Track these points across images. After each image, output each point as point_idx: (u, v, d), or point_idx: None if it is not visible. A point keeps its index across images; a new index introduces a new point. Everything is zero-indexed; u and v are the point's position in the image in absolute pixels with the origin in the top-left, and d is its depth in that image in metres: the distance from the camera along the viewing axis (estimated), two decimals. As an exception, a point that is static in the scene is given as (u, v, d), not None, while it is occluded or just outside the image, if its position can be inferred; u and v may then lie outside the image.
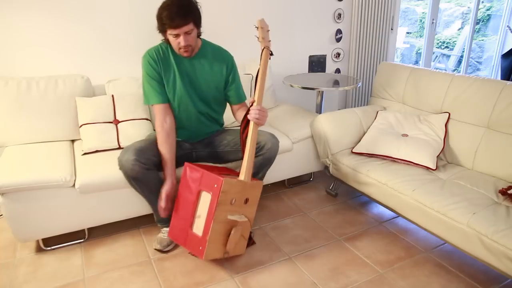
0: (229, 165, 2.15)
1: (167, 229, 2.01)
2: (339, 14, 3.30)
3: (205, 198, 1.70)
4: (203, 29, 1.90)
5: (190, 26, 1.75)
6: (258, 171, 2.00)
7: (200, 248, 1.68)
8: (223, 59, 1.98)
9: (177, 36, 1.76)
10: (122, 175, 1.90)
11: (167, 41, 1.86)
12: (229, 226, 1.73)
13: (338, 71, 3.51)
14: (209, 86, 1.97)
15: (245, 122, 1.83)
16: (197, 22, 1.81)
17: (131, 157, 1.75)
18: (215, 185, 1.65)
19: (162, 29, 1.79)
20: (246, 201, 1.77)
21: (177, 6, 1.71)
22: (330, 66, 3.47)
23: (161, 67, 1.89)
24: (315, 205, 2.46)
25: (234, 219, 1.71)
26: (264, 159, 1.96)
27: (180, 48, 1.81)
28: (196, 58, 1.93)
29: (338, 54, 3.45)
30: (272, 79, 2.91)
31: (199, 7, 1.81)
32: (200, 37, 1.92)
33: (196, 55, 1.93)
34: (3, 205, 1.76)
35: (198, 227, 1.71)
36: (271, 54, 1.90)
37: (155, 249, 1.97)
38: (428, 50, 4.10)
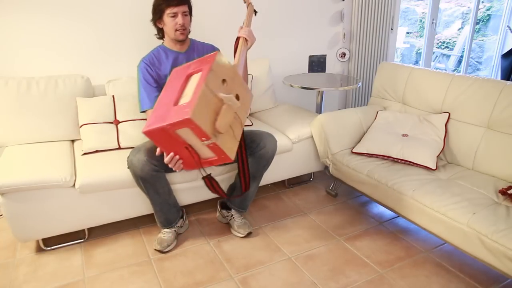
0: (227, 167, 2.16)
1: (168, 230, 2.02)
2: (341, 14, 3.30)
3: (194, 79, 1.56)
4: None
5: (186, 8, 1.89)
6: (256, 171, 2.00)
7: (187, 110, 1.42)
8: (210, 48, 2.10)
9: (175, 15, 1.86)
10: (122, 175, 1.91)
11: (161, 32, 1.97)
12: (220, 105, 1.54)
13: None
14: None
15: (237, 43, 1.87)
16: (191, 11, 1.95)
17: (143, 157, 1.76)
18: (209, 58, 1.57)
19: (159, 12, 1.88)
20: (237, 97, 1.62)
21: None
22: (336, 66, 3.47)
23: (156, 72, 1.95)
24: (315, 205, 2.46)
25: (224, 97, 1.53)
26: (262, 159, 1.96)
27: (177, 30, 1.89)
28: (188, 53, 2.03)
29: (344, 54, 3.44)
30: (272, 79, 2.91)
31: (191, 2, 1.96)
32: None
33: (187, 50, 2.03)
34: (3, 205, 1.76)
35: (185, 99, 1.51)
36: (255, 11, 2.04)
37: (155, 249, 1.97)
38: (428, 50, 4.10)
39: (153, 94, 1.92)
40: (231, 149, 1.57)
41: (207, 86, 1.49)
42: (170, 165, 1.65)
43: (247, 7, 2.01)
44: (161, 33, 2.00)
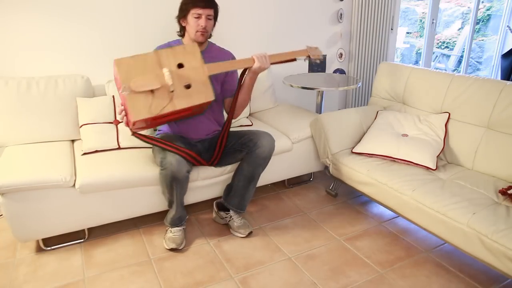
0: (228, 168, 2.16)
1: (176, 228, 2.03)
2: (340, 14, 3.30)
3: None
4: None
5: (211, 12, 1.90)
6: (254, 170, 2.01)
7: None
8: (227, 56, 2.06)
9: (199, 17, 1.88)
10: (122, 175, 1.91)
11: (183, 30, 1.98)
12: (156, 74, 1.66)
13: (342, 71, 3.51)
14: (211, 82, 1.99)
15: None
16: (216, 16, 1.96)
17: (180, 158, 1.78)
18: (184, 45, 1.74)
19: (185, 10, 1.90)
20: (188, 86, 1.70)
21: None
22: (335, 66, 3.47)
23: None
24: (315, 205, 2.46)
25: (163, 72, 1.64)
26: (259, 158, 1.96)
27: (197, 31, 1.90)
28: (203, 52, 2.00)
29: (341, 55, 3.45)
30: (272, 79, 2.91)
31: (218, 8, 1.98)
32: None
33: (203, 51, 2.00)
34: (3, 205, 1.76)
35: None
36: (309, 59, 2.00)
37: (169, 249, 1.97)
38: (428, 50, 4.10)
39: None
40: (136, 110, 1.62)
41: (155, 53, 1.66)
42: (119, 117, 1.68)
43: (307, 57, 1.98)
44: (182, 31, 2.00)
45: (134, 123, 1.66)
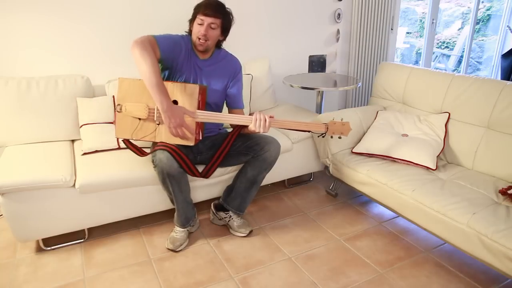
0: (228, 169, 2.17)
1: (180, 229, 2.02)
2: (339, 14, 3.30)
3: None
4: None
5: (216, 22, 1.87)
6: (258, 174, 2.01)
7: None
8: (231, 66, 2.04)
9: (201, 24, 1.87)
10: (122, 175, 1.91)
11: (190, 32, 1.96)
12: (149, 103, 1.76)
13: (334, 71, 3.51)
14: (212, 88, 1.98)
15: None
16: (224, 27, 1.93)
17: (170, 155, 1.78)
18: (193, 85, 1.79)
19: (194, 14, 1.91)
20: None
21: (216, 2, 1.89)
22: (333, 66, 3.47)
23: (179, 53, 1.90)
24: (315, 205, 2.46)
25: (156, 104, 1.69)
26: (265, 162, 1.96)
27: (198, 37, 1.88)
28: (208, 60, 1.98)
29: (336, 54, 3.45)
30: (272, 79, 2.91)
31: (232, 22, 1.95)
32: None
33: (209, 57, 1.99)
34: (3, 205, 1.76)
35: None
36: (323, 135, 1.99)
37: (168, 248, 1.97)
38: (428, 50, 4.10)
39: (166, 41, 1.84)
40: (121, 129, 1.81)
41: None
42: None
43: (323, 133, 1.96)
44: (190, 34, 1.96)
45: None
